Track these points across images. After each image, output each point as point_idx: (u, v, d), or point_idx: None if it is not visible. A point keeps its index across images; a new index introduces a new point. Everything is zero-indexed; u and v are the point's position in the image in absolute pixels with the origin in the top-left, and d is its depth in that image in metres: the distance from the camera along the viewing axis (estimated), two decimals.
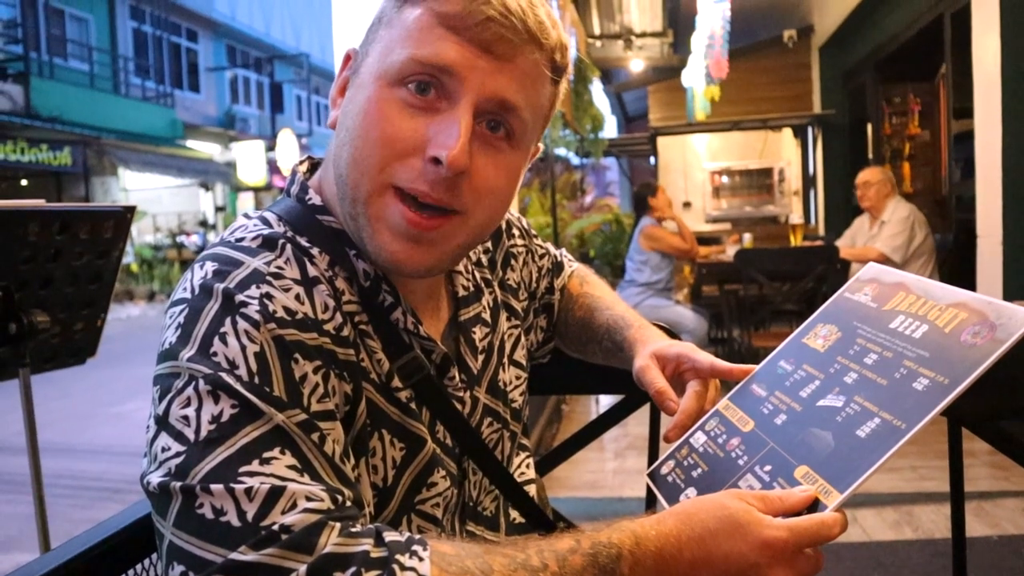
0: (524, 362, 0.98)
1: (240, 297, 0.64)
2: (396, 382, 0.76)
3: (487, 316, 0.91)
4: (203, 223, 18.45)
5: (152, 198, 17.28)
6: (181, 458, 0.59)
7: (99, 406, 5.93)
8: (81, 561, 0.73)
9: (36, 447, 1.64)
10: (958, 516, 1.13)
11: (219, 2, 20.06)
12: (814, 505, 0.67)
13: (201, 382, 0.61)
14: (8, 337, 1.54)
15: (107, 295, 1.81)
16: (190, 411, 0.60)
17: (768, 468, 0.73)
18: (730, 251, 5.68)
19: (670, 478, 0.80)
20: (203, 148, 18.40)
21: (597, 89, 8.09)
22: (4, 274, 1.53)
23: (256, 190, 18.99)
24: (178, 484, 0.58)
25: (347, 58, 0.78)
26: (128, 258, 14.72)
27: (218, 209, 19.05)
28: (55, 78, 14.18)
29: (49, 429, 4.95)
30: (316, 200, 0.78)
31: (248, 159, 18.60)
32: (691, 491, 0.77)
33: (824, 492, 0.67)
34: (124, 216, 1.76)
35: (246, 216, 0.76)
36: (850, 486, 0.66)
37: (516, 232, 1.03)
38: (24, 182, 15.51)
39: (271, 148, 18.74)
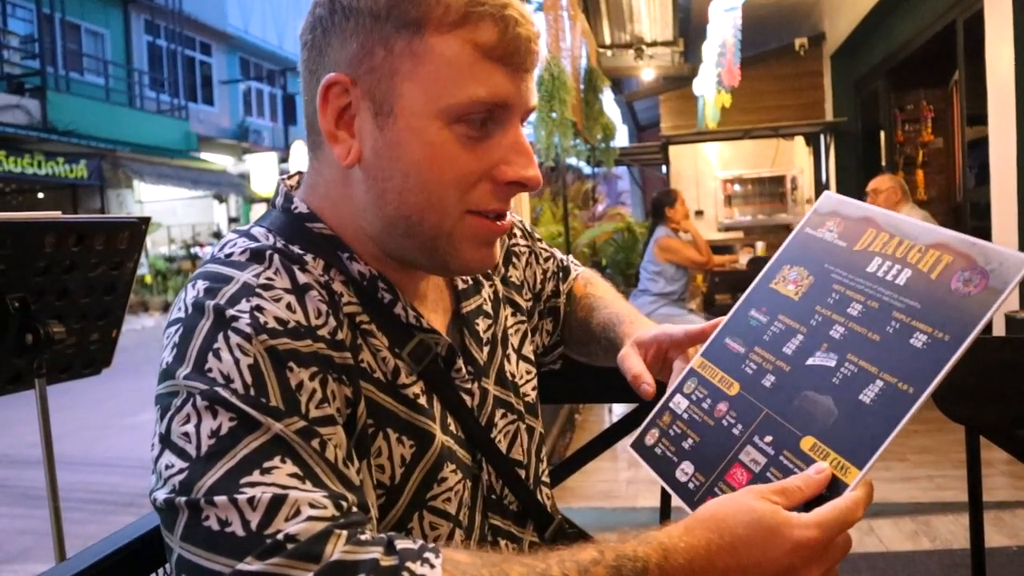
0: (534, 358, 0.98)
1: (231, 312, 0.65)
2: (403, 378, 0.76)
3: (488, 308, 0.91)
4: (217, 235, 18.56)
5: (166, 210, 17.40)
6: (184, 474, 0.59)
7: (113, 417, 5.97)
8: (95, 572, 0.73)
9: (52, 457, 1.65)
10: (976, 526, 1.12)
11: (232, 15, 20.24)
12: (832, 482, 0.65)
13: (198, 398, 0.61)
14: (24, 348, 1.55)
15: (122, 306, 1.82)
16: (190, 427, 0.61)
17: (769, 439, 0.70)
18: (743, 259, 5.66)
19: (658, 450, 0.77)
20: (217, 160, 18.53)
21: (608, 98, 8.10)
22: (21, 285, 1.55)
23: (269, 201, 19.04)
24: (183, 499, 0.58)
25: (332, 85, 0.71)
26: (142, 269, 14.82)
27: (232, 220, 19.17)
28: (71, 92, 14.33)
29: (63, 441, 4.98)
30: (302, 208, 0.78)
31: (261, 171, 18.70)
32: (687, 465, 0.74)
33: (840, 468, 0.65)
34: (139, 228, 1.78)
35: (234, 232, 0.77)
36: (867, 461, 0.63)
37: (518, 232, 1.04)
38: (41, 195, 15.68)
39: (284, 160, 18.85)
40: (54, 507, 1.63)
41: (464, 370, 0.83)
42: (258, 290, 0.67)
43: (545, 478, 0.95)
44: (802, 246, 0.79)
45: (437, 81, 0.70)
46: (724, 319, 0.81)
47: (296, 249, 0.74)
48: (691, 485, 0.73)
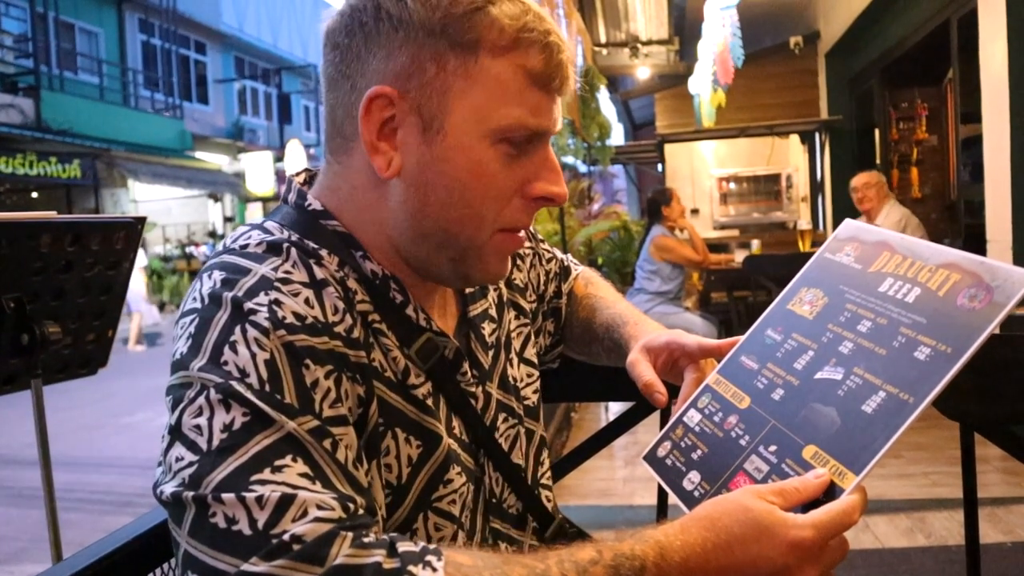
0: (536, 360, 0.99)
1: (249, 305, 0.64)
2: (412, 378, 0.76)
3: (493, 312, 0.92)
4: (212, 234, 18.52)
5: (161, 209, 17.35)
6: (194, 468, 0.59)
7: (109, 417, 5.95)
8: (94, 570, 0.73)
9: (48, 457, 1.65)
10: (971, 522, 1.12)
11: (227, 14, 20.18)
12: (830, 488, 0.66)
13: (212, 391, 0.61)
14: (20, 348, 1.55)
15: (118, 306, 1.82)
16: (202, 420, 0.60)
17: (773, 448, 0.71)
18: (739, 257, 5.67)
19: (669, 461, 0.78)
20: (212, 159, 18.47)
21: (604, 97, 8.10)
22: (17, 285, 1.54)
23: (264, 200, 19.04)
24: (191, 494, 0.58)
25: (377, 98, 0.71)
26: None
27: (227, 220, 19.13)
28: (65, 91, 14.27)
29: (59, 441, 4.97)
30: (316, 205, 0.78)
31: (256, 170, 18.67)
32: (694, 475, 0.75)
33: (838, 474, 0.66)
34: (135, 227, 1.77)
35: (247, 225, 0.77)
36: (865, 467, 0.65)
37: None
38: (35, 195, 15.61)
39: (279, 159, 18.79)
40: (50, 507, 1.63)
41: (470, 374, 0.83)
42: (276, 283, 0.67)
43: (545, 480, 0.95)
44: (820, 269, 0.82)
45: (489, 102, 0.71)
46: (741, 338, 0.83)
47: (311, 244, 0.73)
48: (696, 493, 0.74)
